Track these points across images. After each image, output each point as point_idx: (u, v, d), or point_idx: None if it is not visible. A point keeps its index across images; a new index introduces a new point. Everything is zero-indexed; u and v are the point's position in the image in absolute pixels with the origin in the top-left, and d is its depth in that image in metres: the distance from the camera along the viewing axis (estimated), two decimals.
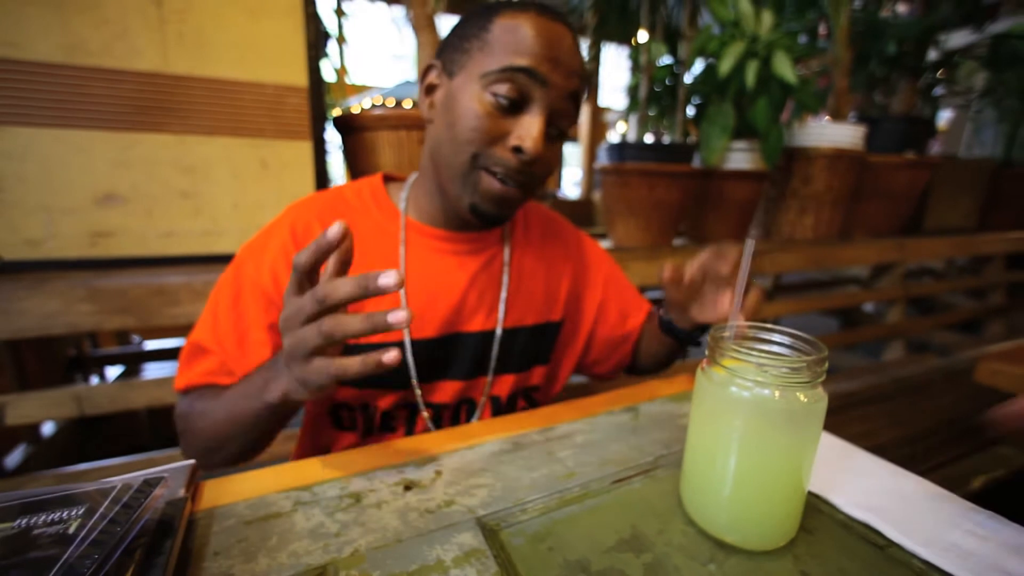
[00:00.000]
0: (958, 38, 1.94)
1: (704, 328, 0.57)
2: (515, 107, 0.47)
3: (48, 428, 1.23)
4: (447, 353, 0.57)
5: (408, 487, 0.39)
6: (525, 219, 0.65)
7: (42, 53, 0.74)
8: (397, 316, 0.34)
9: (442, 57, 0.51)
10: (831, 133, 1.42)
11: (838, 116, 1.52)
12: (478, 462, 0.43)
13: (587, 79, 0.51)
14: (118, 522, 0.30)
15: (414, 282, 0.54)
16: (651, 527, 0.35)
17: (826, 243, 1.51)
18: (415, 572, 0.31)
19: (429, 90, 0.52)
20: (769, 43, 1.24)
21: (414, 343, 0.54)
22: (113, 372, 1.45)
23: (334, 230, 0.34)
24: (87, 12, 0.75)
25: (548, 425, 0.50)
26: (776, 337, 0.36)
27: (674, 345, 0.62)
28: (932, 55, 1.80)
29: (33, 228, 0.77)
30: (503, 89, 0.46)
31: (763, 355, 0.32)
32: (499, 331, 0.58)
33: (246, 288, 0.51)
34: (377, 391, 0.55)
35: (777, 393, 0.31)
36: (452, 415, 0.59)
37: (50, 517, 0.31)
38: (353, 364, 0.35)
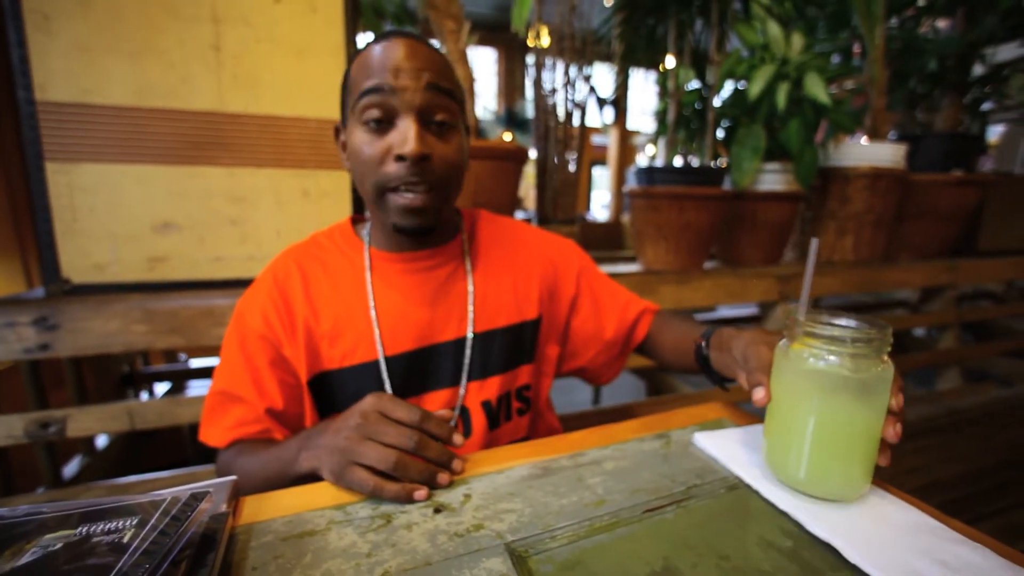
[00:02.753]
0: (1006, 51, 1.87)
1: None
2: (385, 123, 0.51)
3: (101, 440, 1.30)
4: (425, 364, 0.60)
5: (438, 510, 0.40)
6: (484, 229, 0.68)
7: (116, 97, 0.82)
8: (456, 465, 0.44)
9: (341, 116, 0.58)
10: (870, 152, 1.38)
11: (876, 135, 1.48)
12: (507, 486, 0.43)
13: (445, 65, 0.54)
14: (167, 533, 0.32)
15: (382, 303, 0.58)
16: (684, 561, 0.34)
17: (868, 265, 1.45)
18: None
19: (343, 147, 0.59)
20: (800, 64, 1.23)
21: (391, 359, 0.58)
22: (161, 388, 1.53)
23: (458, 441, 0.45)
24: (156, 58, 0.83)
25: (577, 451, 0.49)
26: (843, 321, 0.40)
27: (701, 371, 0.61)
28: (978, 70, 1.73)
29: (99, 254, 0.84)
30: (367, 113, 0.51)
31: (835, 332, 0.37)
32: (470, 335, 0.61)
33: (248, 336, 0.57)
34: None
35: (848, 364, 0.37)
36: None
37: (107, 526, 0.33)
38: (391, 490, 0.41)
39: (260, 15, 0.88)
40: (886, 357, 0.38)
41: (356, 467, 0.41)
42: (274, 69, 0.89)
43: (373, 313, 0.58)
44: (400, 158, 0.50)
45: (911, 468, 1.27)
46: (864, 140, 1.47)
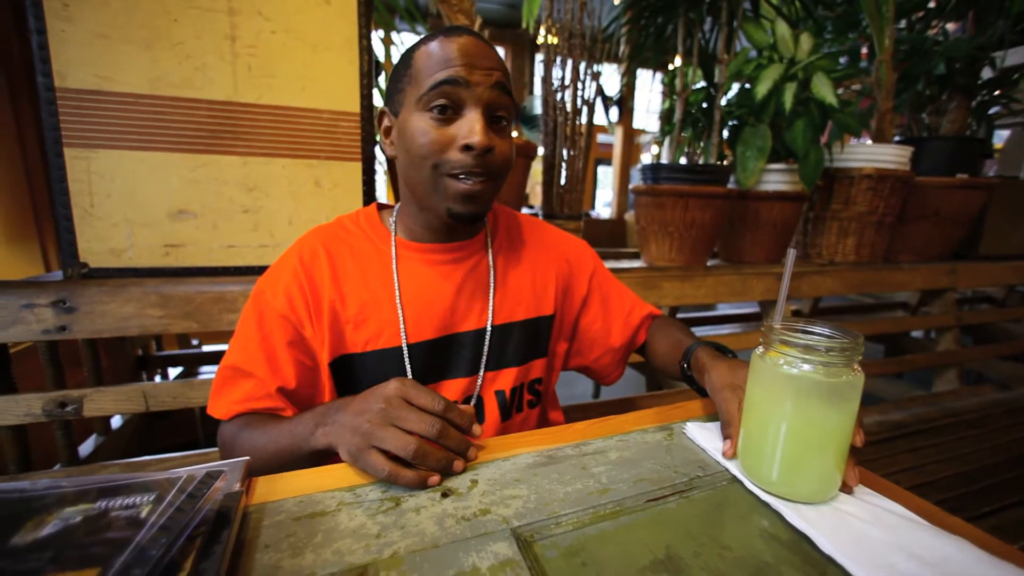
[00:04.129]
0: (1016, 55, 1.86)
1: None
2: (452, 113, 0.53)
3: (116, 421, 1.33)
4: (446, 353, 0.62)
5: (445, 494, 0.41)
6: (507, 225, 0.70)
7: (132, 85, 0.84)
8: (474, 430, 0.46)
9: (388, 103, 0.59)
10: (874, 154, 1.38)
11: (882, 137, 1.48)
12: (513, 473, 0.44)
13: (507, 68, 0.57)
14: (183, 510, 0.33)
15: (408, 292, 0.60)
16: (687, 549, 0.35)
17: (869, 266, 1.46)
18: None
19: (386, 132, 0.60)
20: (807, 65, 1.24)
21: (413, 346, 0.59)
22: (173, 372, 1.55)
23: (476, 431, 0.46)
24: (172, 48, 0.85)
25: (581, 440, 0.51)
26: (817, 329, 0.42)
27: (678, 375, 0.66)
28: (986, 73, 1.73)
29: (116, 239, 0.86)
30: (436, 102, 0.52)
31: (809, 340, 0.39)
32: (490, 327, 0.63)
33: (267, 314, 0.57)
34: None
35: (820, 371, 0.38)
36: None
37: (125, 502, 0.34)
38: (406, 476, 0.42)
39: (275, 7, 0.89)
40: (857, 366, 0.39)
41: (374, 451, 0.42)
42: (288, 60, 0.91)
43: (399, 300, 0.59)
44: (467, 148, 0.52)
45: (906, 467, 1.28)
46: (869, 142, 1.48)
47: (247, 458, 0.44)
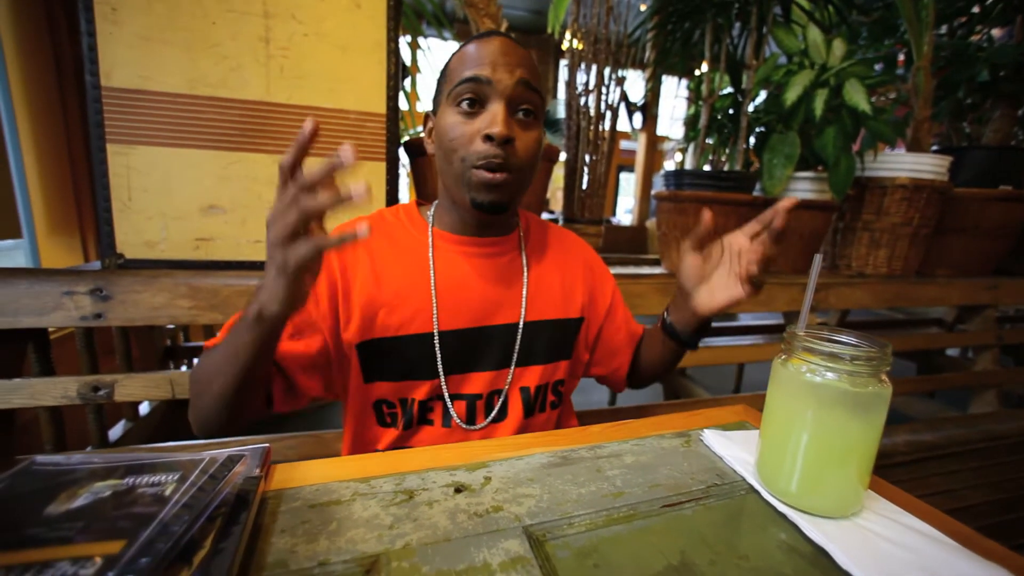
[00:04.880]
0: None
1: (702, 332, 0.64)
2: (478, 107, 0.56)
3: (144, 408, 1.38)
4: (476, 344, 0.63)
5: (459, 489, 0.41)
6: (539, 230, 0.72)
7: (170, 85, 0.87)
8: (357, 186, 0.37)
9: (432, 106, 0.64)
10: (910, 163, 1.33)
11: (918, 146, 1.43)
12: (527, 472, 0.44)
13: (534, 66, 0.59)
14: (205, 490, 0.34)
15: (442, 280, 0.62)
16: (702, 557, 0.34)
17: (902, 279, 1.41)
18: (462, 572, 0.32)
19: (429, 133, 0.64)
20: (840, 71, 1.21)
21: (444, 333, 0.61)
22: None
23: (307, 125, 0.38)
24: (210, 50, 0.88)
25: (597, 443, 0.50)
26: (843, 337, 0.40)
27: (674, 349, 0.67)
28: None
29: (151, 232, 0.90)
30: (463, 96, 0.56)
31: (834, 348, 0.37)
32: (522, 322, 0.64)
33: None
34: (412, 382, 0.61)
35: (845, 380, 0.37)
36: (485, 405, 0.63)
37: (151, 479, 0.35)
38: (329, 237, 0.38)
39: (308, 10, 0.91)
40: (884, 376, 0.38)
41: (290, 243, 0.39)
42: (319, 62, 0.93)
43: (433, 288, 0.61)
44: (488, 138, 0.55)
45: (938, 491, 1.22)
46: (904, 151, 1.42)
47: (267, 445, 0.45)
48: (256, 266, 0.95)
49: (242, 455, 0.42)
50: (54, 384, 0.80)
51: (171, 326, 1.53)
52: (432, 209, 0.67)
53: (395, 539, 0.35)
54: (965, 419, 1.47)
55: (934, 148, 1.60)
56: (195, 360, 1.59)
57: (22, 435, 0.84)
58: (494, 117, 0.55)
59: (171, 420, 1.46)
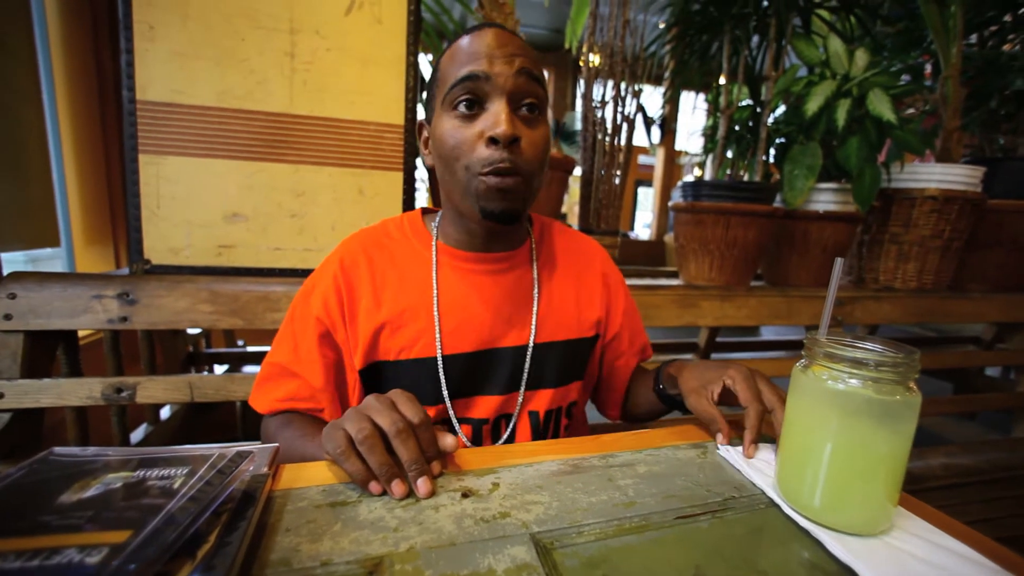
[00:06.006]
0: None
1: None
2: (476, 108, 0.51)
3: (165, 412, 1.41)
4: (483, 368, 0.59)
5: (466, 495, 0.41)
6: (551, 237, 0.67)
7: (200, 98, 0.91)
8: (444, 441, 0.43)
9: (425, 115, 0.60)
10: (940, 174, 1.29)
11: (948, 157, 1.38)
12: (536, 479, 0.43)
13: (534, 54, 0.54)
14: (212, 484, 0.35)
15: (446, 301, 0.58)
16: (718, 571, 0.33)
17: (934, 294, 1.35)
18: None
19: (425, 143, 0.60)
20: (863, 81, 1.18)
21: (449, 358, 0.58)
22: (219, 369, 1.64)
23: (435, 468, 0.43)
24: (238, 65, 0.92)
25: (609, 452, 0.49)
26: (867, 344, 0.38)
27: (662, 407, 0.64)
28: None
29: (176, 239, 0.93)
30: (460, 99, 0.51)
31: (857, 354, 0.36)
32: (531, 345, 0.60)
33: (307, 316, 0.58)
34: None
35: (870, 388, 0.35)
36: (492, 430, 0.60)
37: (161, 472, 0.36)
38: (352, 463, 0.40)
39: (331, 26, 0.95)
40: (913, 385, 0.36)
41: (338, 430, 0.41)
42: (340, 75, 0.96)
43: (436, 310, 0.57)
44: (492, 141, 0.50)
45: (979, 518, 1.15)
46: (933, 162, 1.38)
47: (276, 444, 0.45)
48: (274, 272, 0.97)
49: (250, 452, 0.42)
50: (80, 385, 0.82)
51: (194, 331, 1.57)
52: (437, 221, 0.63)
53: (399, 542, 0.34)
54: (1008, 443, 1.39)
55: (966, 159, 1.55)
56: (215, 367, 1.62)
57: (50, 438, 0.86)
58: (496, 116, 0.50)
59: (191, 424, 1.49)
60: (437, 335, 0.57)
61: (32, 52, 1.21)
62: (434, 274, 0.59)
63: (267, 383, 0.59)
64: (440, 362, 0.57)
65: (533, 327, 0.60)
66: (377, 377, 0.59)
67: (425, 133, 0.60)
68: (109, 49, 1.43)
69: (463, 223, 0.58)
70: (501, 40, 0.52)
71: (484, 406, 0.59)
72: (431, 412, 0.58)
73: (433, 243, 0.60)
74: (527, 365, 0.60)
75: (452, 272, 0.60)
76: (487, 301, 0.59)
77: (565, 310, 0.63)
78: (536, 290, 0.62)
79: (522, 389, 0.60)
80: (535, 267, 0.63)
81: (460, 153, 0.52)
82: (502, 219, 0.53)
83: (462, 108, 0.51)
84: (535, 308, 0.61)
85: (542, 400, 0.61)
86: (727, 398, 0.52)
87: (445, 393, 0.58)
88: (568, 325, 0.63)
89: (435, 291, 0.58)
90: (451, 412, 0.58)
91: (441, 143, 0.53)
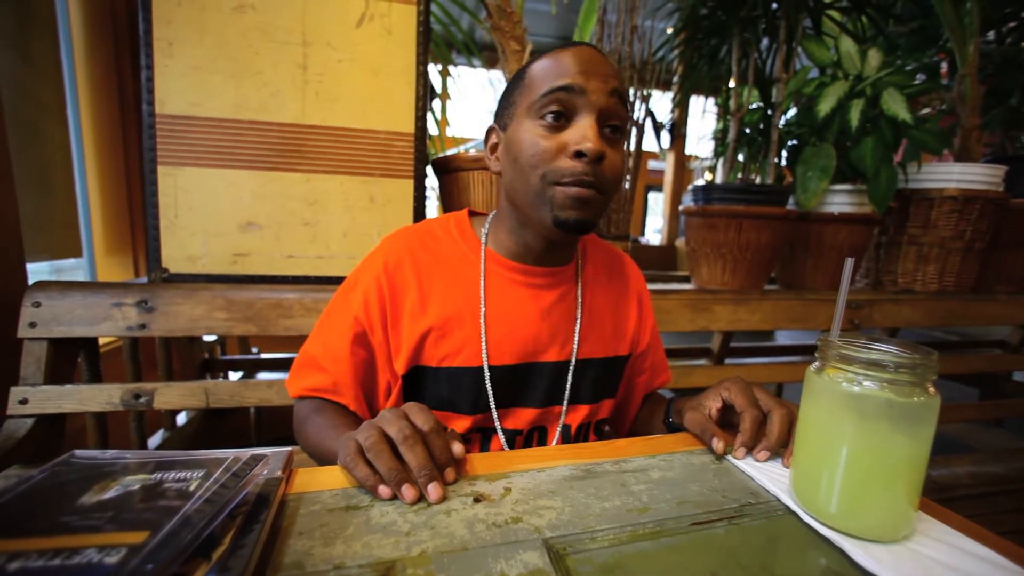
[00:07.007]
0: None
1: None
2: (564, 120, 0.52)
3: (181, 418, 1.44)
4: (523, 381, 0.59)
5: (478, 499, 0.41)
6: (595, 256, 0.67)
7: (217, 110, 0.94)
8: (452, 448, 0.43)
9: (497, 120, 0.59)
10: (959, 173, 1.26)
11: (967, 156, 1.36)
12: (548, 484, 0.43)
13: (623, 79, 0.55)
14: (227, 487, 0.35)
15: (493, 311, 0.58)
16: None
17: (956, 296, 1.32)
18: None
19: (492, 149, 0.60)
20: (876, 81, 1.17)
21: (493, 369, 0.57)
22: (234, 376, 1.67)
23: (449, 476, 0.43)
24: (253, 77, 0.94)
25: (622, 457, 0.49)
26: (882, 346, 0.37)
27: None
28: None
29: (193, 247, 0.95)
30: (549, 108, 0.51)
31: (873, 355, 0.35)
32: (574, 361, 0.60)
33: (346, 314, 0.59)
34: (455, 415, 0.58)
35: (887, 390, 0.34)
36: (524, 441, 0.61)
37: (177, 475, 0.37)
38: (361, 469, 0.41)
39: (342, 38, 0.97)
40: (932, 387, 0.35)
41: (349, 440, 0.42)
42: (351, 86, 0.98)
43: (483, 320, 0.57)
44: (579, 154, 0.50)
45: (1012, 529, 1.11)
46: (951, 161, 1.35)
47: (290, 448, 0.46)
48: (288, 280, 0.99)
49: (264, 456, 0.43)
50: (100, 391, 0.84)
51: (210, 338, 1.60)
52: (487, 224, 0.62)
53: (411, 546, 0.34)
54: None
55: (987, 158, 1.51)
56: (231, 374, 1.65)
57: (71, 443, 0.88)
58: (585, 131, 0.50)
59: (207, 430, 1.51)
60: (483, 346, 0.57)
61: (58, 70, 1.26)
62: (482, 282, 0.58)
63: (300, 370, 0.60)
64: (487, 372, 0.57)
65: (576, 343, 0.61)
66: (417, 381, 0.59)
67: (494, 138, 0.59)
68: (130, 65, 1.48)
69: (522, 234, 0.58)
70: (598, 59, 0.53)
71: (521, 418, 0.60)
72: (468, 421, 0.58)
73: (482, 250, 0.60)
74: (569, 380, 0.60)
75: (500, 281, 0.59)
76: (533, 315, 0.59)
77: (603, 328, 0.64)
78: (579, 307, 0.62)
79: (564, 405, 0.60)
80: (579, 285, 0.63)
81: (540, 161, 0.51)
82: (576, 228, 0.53)
83: (549, 118, 0.51)
84: (578, 325, 0.61)
85: (577, 415, 0.62)
86: (731, 417, 0.52)
87: (492, 404, 0.58)
88: (606, 343, 0.64)
89: (483, 300, 0.58)
90: (497, 423, 0.58)
91: (521, 149, 0.53)
